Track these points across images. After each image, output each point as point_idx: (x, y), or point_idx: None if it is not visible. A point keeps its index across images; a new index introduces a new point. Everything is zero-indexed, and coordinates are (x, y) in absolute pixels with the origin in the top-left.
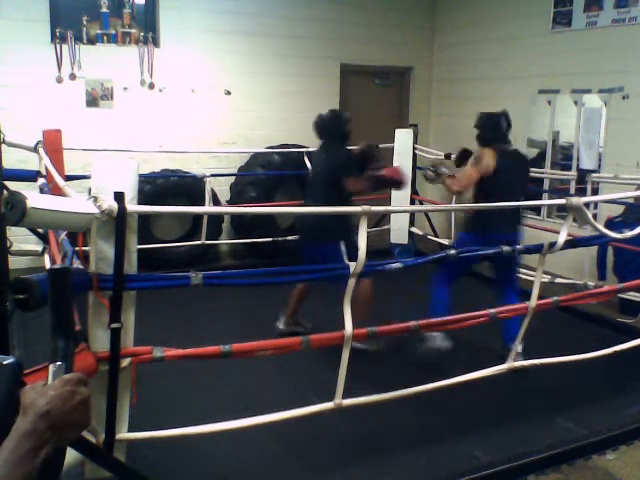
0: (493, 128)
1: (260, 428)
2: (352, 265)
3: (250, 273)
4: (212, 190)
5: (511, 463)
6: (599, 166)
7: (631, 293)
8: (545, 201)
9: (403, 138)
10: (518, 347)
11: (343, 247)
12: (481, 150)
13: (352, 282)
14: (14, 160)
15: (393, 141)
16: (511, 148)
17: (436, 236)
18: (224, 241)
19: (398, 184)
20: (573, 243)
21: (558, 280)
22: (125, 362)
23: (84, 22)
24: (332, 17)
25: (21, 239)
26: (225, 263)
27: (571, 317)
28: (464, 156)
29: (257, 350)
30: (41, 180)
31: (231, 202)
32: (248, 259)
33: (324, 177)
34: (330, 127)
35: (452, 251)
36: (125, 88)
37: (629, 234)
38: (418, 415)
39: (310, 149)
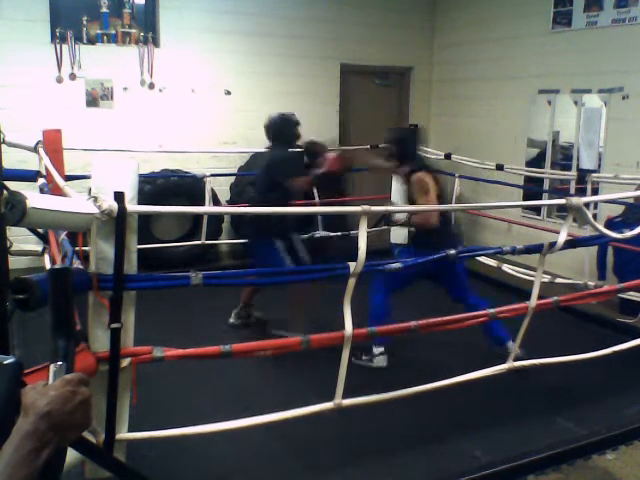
0: (411, 144)
1: (260, 428)
2: (352, 265)
3: (250, 273)
4: (212, 190)
5: (511, 463)
6: (599, 166)
7: (631, 293)
8: (545, 201)
9: None
10: (512, 347)
11: (280, 244)
12: (418, 178)
13: (352, 282)
14: (14, 160)
15: None
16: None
17: None
18: (224, 241)
19: (343, 171)
20: (573, 243)
21: (558, 280)
22: (125, 362)
23: (84, 22)
24: (332, 17)
25: (21, 239)
26: (225, 263)
27: (571, 317)
28: (313, 149)
29: (257, 350)
30: (41, 180)
31: (231, 202)
32: (248, 259)
33: (265, 177)
34: (279, 130)
35: (452, 251)
36: (125, 88)
37: (629, 234)
38: (418, 415)
39: None
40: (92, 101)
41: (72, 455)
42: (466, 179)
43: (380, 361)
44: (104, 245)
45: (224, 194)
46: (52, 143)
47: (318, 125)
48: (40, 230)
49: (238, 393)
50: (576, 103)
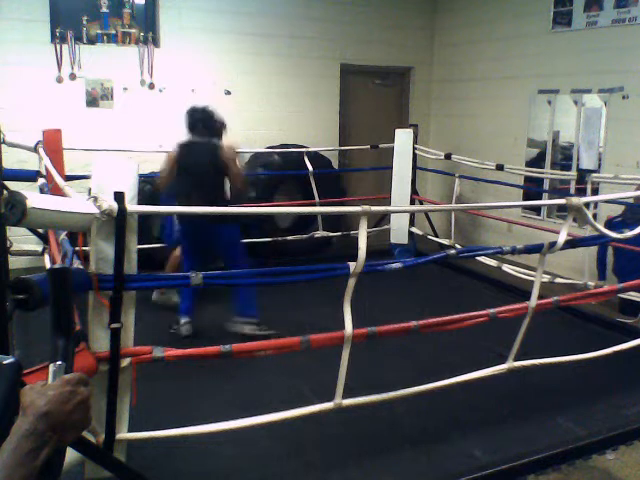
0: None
1: (260, 428)
2: (352, 265)
3: (250, 273)
4: None
5: (511, 463)
6: (599, 166)
7: (631, 293)
8: (545, 201)
9: (403, 138)
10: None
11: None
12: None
13: (352, 282)
14: (14, 160)
15: (393, 141)
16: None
17: (436, 236)
18: None
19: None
20: (573, 243)
21: (558, 280)
22: (125, 362)
23: (84, 22)
24: (332, 17)
25: (21, 239)
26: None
27: (571, 317)
28: None
29: (257, 350)
30: (41, 180)
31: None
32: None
33: None
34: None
35: (452, 251)
36: (125, 88)
37: (629, 234)
38: (418, 415)
39: (310, 149)
40: (92, 101)
41: (72, 455)
42: (466, 179)
43: (185, 330)
44: (104, 245)
45: None
46: (52, 143)
47: (318, 125)
48: (40, 230)
49: (238, 393)
50: (576, 103)
